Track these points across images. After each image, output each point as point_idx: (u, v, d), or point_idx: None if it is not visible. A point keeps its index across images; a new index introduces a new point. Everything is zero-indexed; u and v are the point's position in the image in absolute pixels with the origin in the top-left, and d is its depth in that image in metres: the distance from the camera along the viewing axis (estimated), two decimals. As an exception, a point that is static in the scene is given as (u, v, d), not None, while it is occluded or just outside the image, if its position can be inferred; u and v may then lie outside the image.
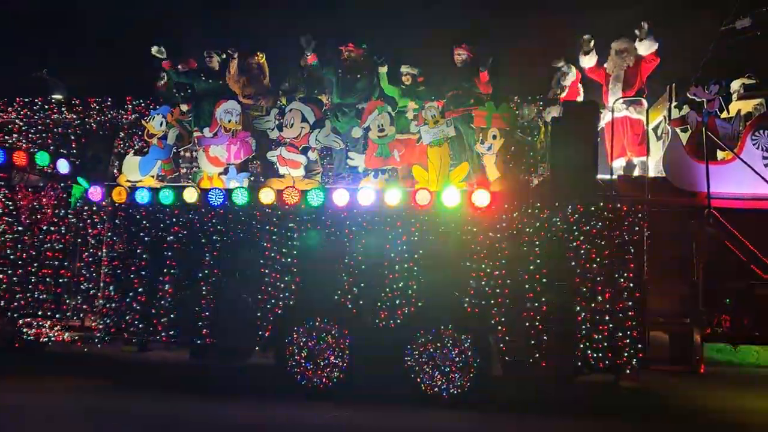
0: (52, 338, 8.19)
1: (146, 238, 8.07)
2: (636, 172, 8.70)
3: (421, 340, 7.47)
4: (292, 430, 6.52)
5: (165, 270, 7.96)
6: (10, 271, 8.21)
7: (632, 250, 7.22)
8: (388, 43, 8.37)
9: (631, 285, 7.18)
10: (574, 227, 7.33)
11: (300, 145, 8.06)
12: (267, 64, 8.90)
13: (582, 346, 7.17)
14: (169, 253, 8.00)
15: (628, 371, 7.12)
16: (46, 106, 9.55)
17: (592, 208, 7.33)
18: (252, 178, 8.49)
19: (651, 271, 7.26)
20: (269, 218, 7.85)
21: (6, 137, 9.45)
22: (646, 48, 8.60)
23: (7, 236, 8.27)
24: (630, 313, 7.13)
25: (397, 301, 7.55)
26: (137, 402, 7.30)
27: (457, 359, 7.39)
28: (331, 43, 8.61)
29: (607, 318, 7.17)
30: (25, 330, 8.12)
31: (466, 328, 7.45)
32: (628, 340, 7.10)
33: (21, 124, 9.59)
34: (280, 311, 7.76)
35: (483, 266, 7.43)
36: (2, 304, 8.12)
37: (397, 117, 8.16)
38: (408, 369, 7.48)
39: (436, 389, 7.39)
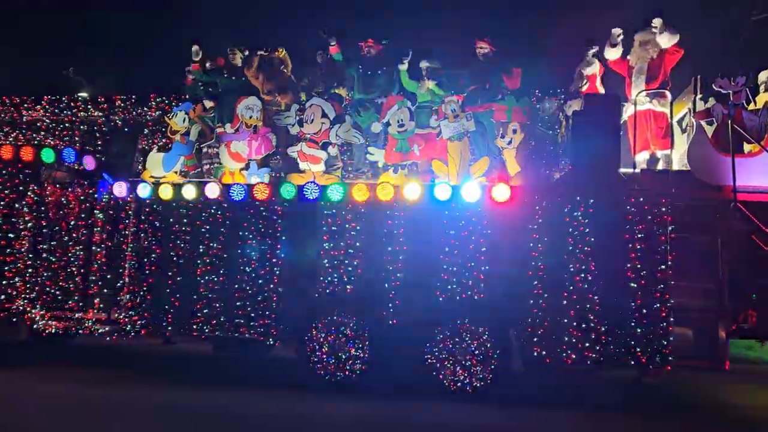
0: (80, 330, 8.35)
1: (169, 233, 8.19)
2: (660, 166, 8.58)
3: (441, 335, 7.45)
4: (312, 424, 6.55)
5: (187, 264, 8.08)
6: (39, 264, 8.38)
7: (655, 245, 7.14)
8: (408, 38, 8.32)
9: (654, 280, 7.09)
10: (595, 222, 7.27)
11: (320, 141, 8.10)
12: (289, 58, 8.91)
13: (603, 341, 7.11)
14: (191, 248, 8.11)
15: (651, 367, 7.05)
16: (72, 104, 9.75)
17: (614, 203, 7.26)
18: (274, 174, 8.55)
19: (675, 266, 7.15)
20: (289, 213, 7.91)
21: (33, 134, 9.67)
22: (667, 40, 8.46)
23: (36, 231, 8.44)
24: (653, 308, 7.05)
25: (416, 296, 7.57)
26: (157, 393, 7.39)
27: (476, 353, 7.36)
28: (345, 37, 8.62)
29: (629, 313, 7.10)
30: (53, 322, 8.28)
31: (484, 322, 7.42)
32: (651, 336, 7.02)
33: (48, 121, 9.81)
34: (301, 305, 7.83)
35: (503, 261, 7.41)
36: (32, 296, 8.30)
37: (417, 112, 8.15)
38: (429, 363, 7.47)
39: (457, 383, 7.38)
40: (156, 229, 8.22)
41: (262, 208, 7.98)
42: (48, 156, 8.39)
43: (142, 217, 8.29)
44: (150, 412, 6.56)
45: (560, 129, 8.33)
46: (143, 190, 8.08)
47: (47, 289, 8.34)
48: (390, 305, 7.61)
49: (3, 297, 8.33)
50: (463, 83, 8.29)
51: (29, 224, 8.43)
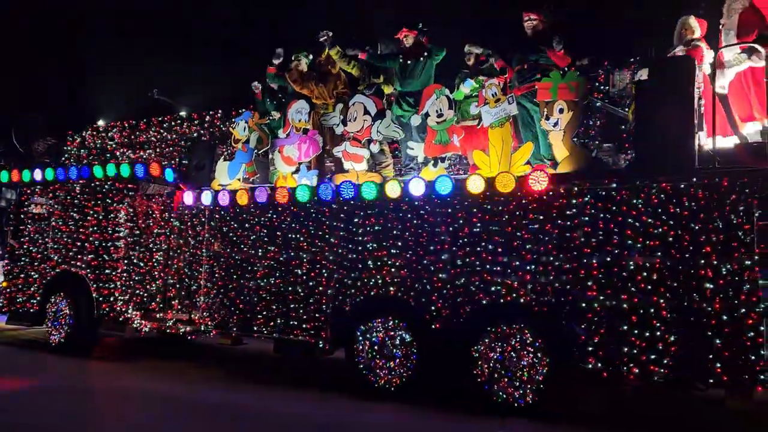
0: (167, 330, 8.79)
1: (234, 237, 8.29)
2: (775, 138, 6.72)
3: (485, 342, 6.54)
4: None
5: (249, 268, 8.10)
6: (131, 269, 8.98)
7: (739, 235, 5.56)
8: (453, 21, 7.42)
9: (737, 278, 5.51)
10: (660, 209, 5.87)
11: (363, 139, 7.61)
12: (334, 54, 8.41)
13: (673, 354, 5.70)
14: (252, 252, 8.12)
15: (735, 387, 5.50)
16: (173, 123, 10.38)
17: (682, 186, 5.80)
18: (328, 176, 8.24)
19: (766, 261, 5.51)
20: (336, 214, 7.55)
21: (141, 153, 10.47)
22: None
23: (129, 239, 9.05)
24: (736, 315, 5.49)
25: (459, 299, 6.75)
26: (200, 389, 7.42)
27: (524, 364, 6.33)
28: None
29: (705, 320, 5.61)
30: (144, 322, 8.80)
31: (533, 329, 6.36)
32: (735, 348, 5.48)
33: (155, 140, 10.55)
34: (347, 308, 7.43)
35: (551, 259, 6.30)
36: (126, 298, 8.90)
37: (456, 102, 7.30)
38: (474, 371, 6.61)
39: (504, 396, 6.41)
40: (223, 235, 8.38)
41: (312, 210, 7.74)
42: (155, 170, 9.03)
43: (212, 223, 8.51)
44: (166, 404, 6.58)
45: (632, 104, 6.91)
46: (205, 198, 8.29)
47: (137, 291, 8.91)
48: (432, 308, 6.90)
49: (112, 299, 9.06)
50: (511, 62, 7.22)
51: (124, 233, 9.07)
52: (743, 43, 6.60)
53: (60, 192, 9.89)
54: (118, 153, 10.75)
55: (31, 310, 9.97)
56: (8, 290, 10.25)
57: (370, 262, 7.29)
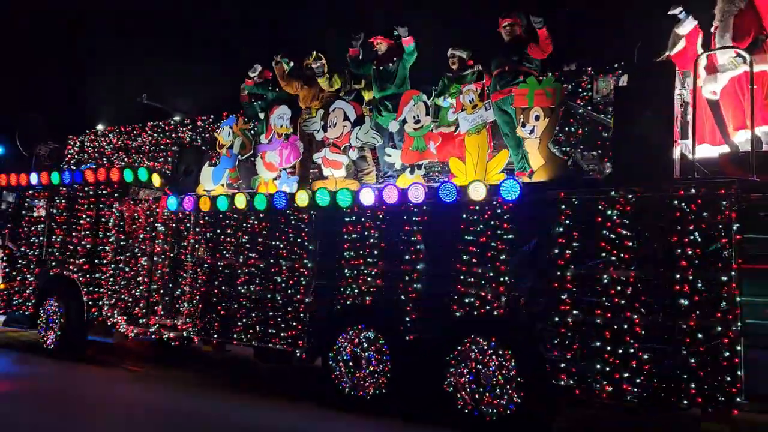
0: (152, 335, 8.78)
1: (216, 244, 8.23)
2: (765, 147, 6.42)
3: (456, 355, 6.36)
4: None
5: (230, 274, 8.03)
6: (117, 274, 9.00)
7: (717, 248, 5.29)
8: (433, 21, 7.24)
9: (714, 294, 5.24)
10: (636, 221, 5.63)
11: (342, 145, 7.50)
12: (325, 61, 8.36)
13: (646, 372, 5.44)
14: (234, 258, 8.06)
15: (710, 410, 5.23)
16: (167, 128, 10.41)
17: (659, 196, 5.55)
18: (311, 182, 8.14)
19: (746, 276, 5.23)
20: (316, 221, 7.45)
21: (134, 158, 10.52)
22: None
23: (116, 243, 9.08)
24: (712, 332, 5.22)
25: (432, 310, 6.57)
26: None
27: (498, 379, 6.13)
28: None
29: (680, 338, 5.35)
30: (129, 327, 8.80)
31: (508, 343, 6.16)
32: (710, 368, 5.21)
33: (149, 145, 10.60)
34: (324, 317, 7.31)
35: (523, 270, 6.10)
36: (111, 303, 8.92)
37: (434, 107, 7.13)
38: (448, 386, 6.42)
39: (477, 412, 6.20)
40: (207, 240, 8.34)
41: (292, 217, 7.64)
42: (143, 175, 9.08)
43: (197, 229, 8.47)
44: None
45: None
46: (188, 203, 8.26)
47: (122, 296, 8.92)
48: (407, 319, 6.74)
49: (100, 303, 9.10)
50: (491, 67, 7.02)
51: (111, 237, 9.11)
52: (732, 47, 6.32)
53: (55, 196, 10.00)
54: (114, 157, 10.83)
55: (27, 313, 10.08)
56: (5, 293, 10.39)
57: (347, 271, 7.16)
